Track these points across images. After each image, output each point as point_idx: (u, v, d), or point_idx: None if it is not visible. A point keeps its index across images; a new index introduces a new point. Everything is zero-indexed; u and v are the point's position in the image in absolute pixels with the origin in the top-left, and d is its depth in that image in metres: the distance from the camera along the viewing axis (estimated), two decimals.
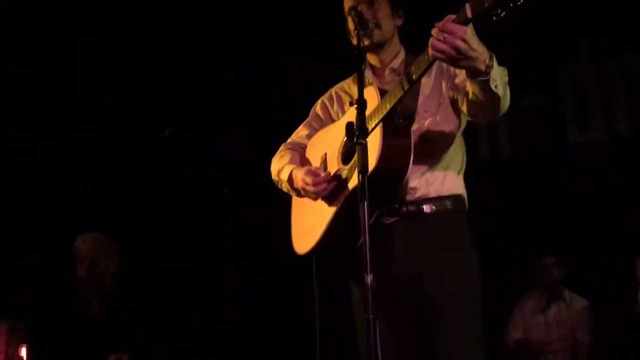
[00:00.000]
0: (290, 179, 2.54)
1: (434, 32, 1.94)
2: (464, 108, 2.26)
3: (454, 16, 1.93)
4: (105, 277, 3.77)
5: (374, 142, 2.14)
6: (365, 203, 1.94)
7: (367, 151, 1.97)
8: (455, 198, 2.37)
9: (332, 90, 2.73)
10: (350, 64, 2.70)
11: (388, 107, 2.17)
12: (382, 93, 2.26)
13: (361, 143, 1.97)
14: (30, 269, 4.51)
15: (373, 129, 2.17)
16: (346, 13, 2.55)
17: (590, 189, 4.58)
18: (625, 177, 4.46)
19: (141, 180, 5.00)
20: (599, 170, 4.59)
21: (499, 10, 1.81)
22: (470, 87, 2.10)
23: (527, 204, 4.77)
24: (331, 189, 2.34)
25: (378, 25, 2.45)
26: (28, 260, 4.58)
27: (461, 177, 2.42)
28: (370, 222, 1.97)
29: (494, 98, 2.06)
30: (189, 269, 4.91)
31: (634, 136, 4.67)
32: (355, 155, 2.19)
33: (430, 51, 1.96)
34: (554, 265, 4.67)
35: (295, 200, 2.67)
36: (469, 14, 1.88)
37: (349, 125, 2.06)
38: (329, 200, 2.39)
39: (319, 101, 2.75)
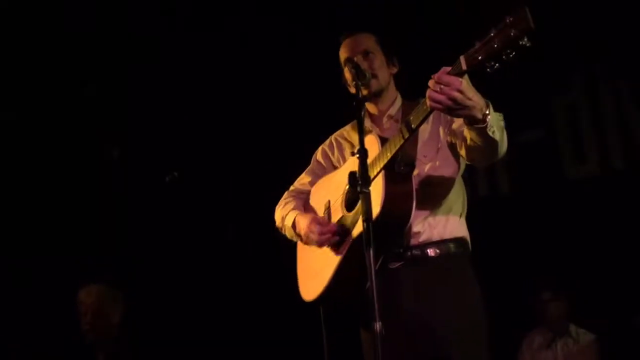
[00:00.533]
0: (294, 225, 2.59)
1: (430, 83, 2.02)
2: (463, 152, 2.33)
3: (448, 68, 2.01)
4: (109, 328, 3.75)
5: (376, 190, 2.20)
6: (372, 250, 1.98)
7: (371, 199, 2.02)
8: (459, 240, 2.42)
9: (332, 138, 2.80)
10: (349, 111, 2.81)
11: (389, 155, 2.23)
12: (383, 141, 2.33)
13: (364, 192, 2.02)
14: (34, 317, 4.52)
15: (375, 176, 2.23)
16: (342, 64, 2.64)
17: (588, 222, 4.61)
18: (621, 210, 4.49)
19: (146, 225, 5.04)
20: (596, 204, 4.63)
21: (492, 63, 1.90)
22: (468, 134, 2.17)
23: (526, 239, 4.80)
24: (335, 239, 2.40)
25: (375, 75, 2.54)
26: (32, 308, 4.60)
27: (463, 219, 2.47)
28: (376, 268, 2.01)
29: (492, 143, 2.13)
30: (195, 315, 4.90)
31: (629, 170, 4.72)
32: (359, 202, 2.26)
33: (428, 102, 2.03)
34: (551, 300, 4.65)
35: (300, 245, 2.71)
36: (463, 66, 1.96)
37: (352, 175, 2.11)
38: (334, 247, 2.43)
39: (320, 149, 2.82)
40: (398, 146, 2.21)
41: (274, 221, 2.78)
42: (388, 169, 2.25)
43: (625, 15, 4.49)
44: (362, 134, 2.16)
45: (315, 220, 2.47)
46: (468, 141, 2.20)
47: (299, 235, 2.57)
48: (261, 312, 4.81)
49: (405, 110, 2.55)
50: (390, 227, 2.23)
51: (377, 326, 1.93)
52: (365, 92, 2.50)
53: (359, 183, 2.04)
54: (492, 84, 2.13)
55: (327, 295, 2.43)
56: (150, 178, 4.87)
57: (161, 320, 4.68)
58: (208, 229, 5.09)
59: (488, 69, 1.91)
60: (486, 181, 5.20)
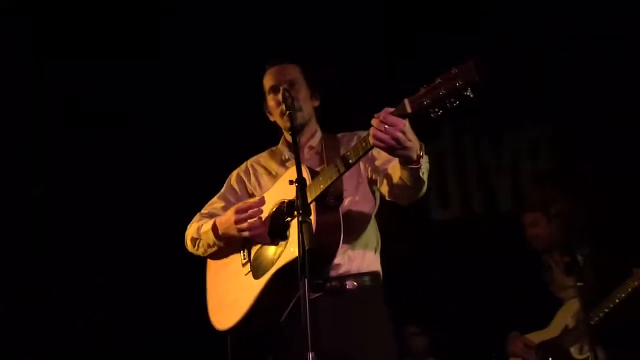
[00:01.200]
0: (214, 227, 2.51)
1: (375, 122, 2.08)
2: (384, 189, 2.42)
3: (391, 109, 2.09)
4: None
5: None
6: (306, 280, 1.99)
7: (310, 229, 2.03)
8: (374, 274, 2.52)
9: (248, 163, 2.78)
10: (265, 137, 2.81)
11: (322, 187, 2.27)
12: (312, 172, 2.37)
13: (306, 221, 2.03)
14: None
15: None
16: (267, 92, 2.66)
17: (450, 261, 4.95)
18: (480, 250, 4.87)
19: None
20: (460, 246, 4.98)
21: (436, 109, 2.00)
22: (398, 172, 2.26)
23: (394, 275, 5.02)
24: (264, 227, 2.38)
25: (299, 108, 2.58)
26: None
27: (378, 254, 2.57)
28: (295, 298, 2.02)
29: (420, 183, 2.24)
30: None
31: (488, 215, 5.16)
32: (289, 232, 2.27)
33: (371, 140, 2.10)
34: (415, 334, 4.90)
35: (211, 270, 2.64)
36: (408, 109, 2.05)
37: (290, 204, 2.12)
38: (256, 274, 2.40)
39: (235, 173, 2.78)
40: (333, 179, 2.26)
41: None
42: (319, 200, 2.28)
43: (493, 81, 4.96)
44: (299, 164, 2.18)
45: (238, 209, 2.43)
46: (395, 179, 2.29)
47: (222, 237, 2.49)
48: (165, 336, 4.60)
49: (327, 142, 2.62)
50: (318, 257, 2.24)
51: (310, 356, 1.94)
52: (288, 123, 2.50)
53: (300, 212, 2.05)
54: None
55: (243, 324, 2.41)
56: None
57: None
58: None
59: (432, 114, 2.02)
60: None
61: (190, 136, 4.97)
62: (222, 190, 2.77)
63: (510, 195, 5.21)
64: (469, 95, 1.96)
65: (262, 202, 2.45)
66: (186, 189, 4.13)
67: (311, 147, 2.65)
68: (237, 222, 2.41)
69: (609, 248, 4.06)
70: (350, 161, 2.23)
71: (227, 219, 2.46)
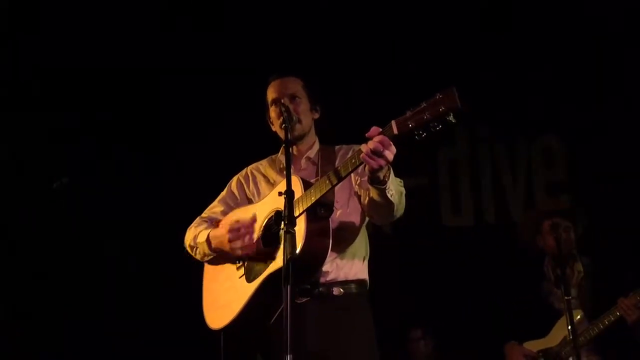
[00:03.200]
0: (208, 240, 2.66)
1: (374, 143, 2.18)
2: (365, 205, 2.54)
3: (379, 128, 2.20)
4: None
5: (299, 229, 2.34)
6: (289, 287, 2.12)
7: (296, 242, 2.18)
8: (360, 282, 2.63)
9: (248, 170, 2.90)
10: (268, 145, 2.93)
11: (313, 199, 2.40)
12: (305, 183, 2.49)
13: (290, 232, 2.16)
14: None
15: (298, 216, 2.37)
16: (269, 103, 2.78)
17: (460, 267, 5.01)
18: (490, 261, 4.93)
19: None
20: (469, 252, 5.04)
21: (421, 132, 2.12)
22: (370, 190, 2.38)
23: (403, 277, 5.11)
24: (254, 246, 2.51)
25: (299, 120, 2.70)
26: None
27: (366, 263, 2.69)
28: (287, 303, 2.13)
29: (389, 204, 2.36)
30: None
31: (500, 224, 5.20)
32: (280, 239, 2.40)
33: (365, 157, 2.20)
34: (420, 338, 4.96)
35: (208, 273, 2.78)
36: (395, 130, 2.16)
37: (278, 213, 2.24)
38: (249, 277, 2.54)
39: (235, 179, 2.91)
40: (324, 191, 2.38)
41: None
42: (310, 210, 2.41)
43: (510, 87, 5.01)
44: (289, 176, 2.30)
45: (233, 228, 2.55)
46: (370, 196, 2.41)
47: (215, 250, 2.63)
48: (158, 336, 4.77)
49: (324, 154, 2.74)
50: (307, 265, 2.39)
51: (289, 358, 2.06)
52: (290, 133, 2.60)
53: (285, 222, 2.17)
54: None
55: (235, 324, 2.54)
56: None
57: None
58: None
59: (416, 137, 2.13)
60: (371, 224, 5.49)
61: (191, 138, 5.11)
62: (222, 194, 2.90)
63: (522, 204, 5.24)
64: (452, 121, 2.06)
65: (253, 219, 2.58)
66: (185, 191, 4.31)
67: (308, 158, 2.77)
68: (230, 240, 2.54)
69: (609, 260, 4.09)
70: (342, 175, 2.35)
71: (220, 235, 2.59)
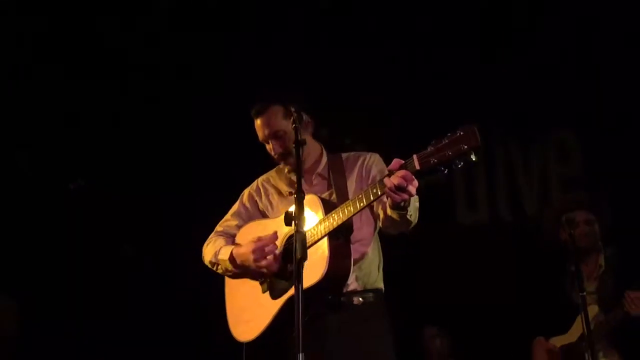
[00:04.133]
0: (232, 258, 2.68)
1: (397, 179, 2.19)
2: (380, 217, 2.56)
3: (401, 161, 2.22)
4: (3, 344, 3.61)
5: (322, 252, 2.41)
6: (300, 287, 2.12)
7: (305, 242, 2.19)
8: (378, 291, 2.67)
9: (259, 182, 2.92)
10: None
11: (335, 224, 2.42)
12: (325, 203, 2.52)
13: (300, 232, 2.17)
14: None
15: (320, 239, 2.43)
16: (260, 141, 2.79)
17: (476, 266, 4.99)
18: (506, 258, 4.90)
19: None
20: (485, 249, 5.02)
21: (442, 168, 2.14)
22: (388, 210, 2.40)
23: (417, 274, 5.11)
24: (279, 263, 2.54)
25: (291, 153, 2.63)
26: None
27: (381, 271, 2.72)
28: (307, 317, 2.16)
29: (407, 223, 2.43)
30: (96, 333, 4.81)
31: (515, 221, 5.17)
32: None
33: (390, 193, 2.22)
34: (436, 335, 4.95)
35: (230, 287, 2.82)
36: (417, 166, 2.17)
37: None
38: (273, 294, 2.59)
39: (246, 192, 2.92)
40: (345, 219, 2.41)
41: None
42: (332, 234, 2.45)
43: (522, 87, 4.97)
44: (300, 176, 2.32)
45: (257, 248, 2.59)
46: (387, 213, 2.43)
47: (239, 267, 2.66)
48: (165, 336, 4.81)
49: (332, 166, 2.75)
50: (331, 285, 2.46)
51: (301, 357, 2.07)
52: (288, 166, 2.70)
53: (295, 223, 2.19)
54: None
55: (260, 338, 2.60)
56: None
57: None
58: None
59: (438, 173, 2.15)
60: None
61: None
62: (235, 208, 2.92)
63: (536, 200, 5.21)
64: (473, 159, 2.08)
65: (275, 237, 2.61)
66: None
67: (319, 174, 2.78)
68: (255, 260, 2.58)
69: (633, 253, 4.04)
70: (363, 204, 2.37)
71: (244, 254, 2.62)
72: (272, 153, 2.72)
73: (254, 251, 2.58)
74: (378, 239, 2.74)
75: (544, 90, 5.01)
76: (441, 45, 4.95)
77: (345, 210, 2.41)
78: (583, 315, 3.29)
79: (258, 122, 2.74)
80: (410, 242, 5.25)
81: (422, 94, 4.97)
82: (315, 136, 2.82)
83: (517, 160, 5.35)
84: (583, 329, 3.75)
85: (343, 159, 2.77)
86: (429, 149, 2.14)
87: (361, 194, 2.38)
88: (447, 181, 5.39)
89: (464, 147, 2.05)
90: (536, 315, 4.14)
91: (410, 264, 5.06)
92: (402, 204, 2.27)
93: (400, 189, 2.18)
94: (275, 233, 2.61)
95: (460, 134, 2.07)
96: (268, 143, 2.70)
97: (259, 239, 2.59)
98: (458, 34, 4.95)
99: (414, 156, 2.18)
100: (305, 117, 2.69)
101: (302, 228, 2.19)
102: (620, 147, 4.82)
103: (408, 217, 2.34)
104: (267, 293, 2.62)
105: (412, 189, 2.19)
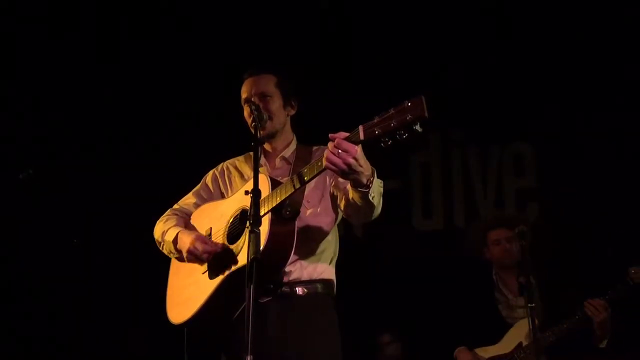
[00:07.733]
0: (175, 241, 2.64)
1: (330, 146, 2.18)
2: (342, 206, 2.52)
3: (346, 134, 2.18)
4: None
5: (262, 229, 2.30)
6: (252, 287, 2.10)
7: (260, 242, 2.15)
8: (326, 282, 2.62)
9: (224, 164, 2.90)
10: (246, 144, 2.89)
11: (278, 199, 2.39)
12: (273, 182, 2.47)
13: (255, 232, 2.14)
14: None
15: (262, 216, 2.34)
16: (242, 102, 2.76)
17: (427, 272, 5.02)
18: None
19: None
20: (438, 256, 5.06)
21: (387, 139, 2.09)
22: (351, 193, 2.36)
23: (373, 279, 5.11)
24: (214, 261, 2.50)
25: (270, 117, 2.68)
26: None
27: (333, 264, 2.68)
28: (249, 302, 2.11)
29: (370, 206, 2.34)
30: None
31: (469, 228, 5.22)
32: (243, 238, 2.38)
33: (325, 163, 2.20)
34: (389, 342, 4.95)
35: (174, 268, 2.76)
36: (361, 136, 2.14)
37: (244, 212, 2.22)
38: (211, 274, 2.52)
39: (211, 173, 2.90)
40: (288, 194, 2.37)
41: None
42: (275, 211, 2.40)
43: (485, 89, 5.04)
44: (257, 176, 2.28)
45: (200, 238, 2.55)
46: (350, 199, 2.39)
47: (179, 251, 2.62)
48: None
49: (300, 154, 2.73)
50: (269, 265, 2.36)
51: (249, 359, 2.05)
52: (261, 132, 2.61)
53: (250, 222, 2.16)
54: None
55: (196, 320, 2.53)
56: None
57: None
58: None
59: (382, 144, 2.11)
60: (343, 226, 5.48)
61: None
62: (197, 187, 2.89)
63: (492, 210, 5.28)
64: (418, 130, 2.04)
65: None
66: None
67: (283, 157, 2.76)
68: (194, 249, 2.54)
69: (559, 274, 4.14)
70: (305, 178, 2.34)
71: (189, 241, 2.57)
72: (247, 115, 2.66)
73: (193, 242, 2.54)
74: (337, 234, 2.71)
75: (505, 101, 5.10)
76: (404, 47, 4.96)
77: (289, 186, 2.37)
78: (531, 325, 3.33)
79: (249, 81, 2.73)
80: (365, 247, 5.37)
81: (386, 97, 4.97)
82: (294, 123, 2.80)
83: (475, 169, 5.41)
84: (524, 339, 3.81)
85: (313, 150, 2.75)
86: (374, 119, 2.11)
87: (306, 167, 2.35)
88: (404, 187, 5.44)
89: (409, 117, 2.01)
90: (463, 325, 4.13)
91: (365, 269, 5.06)
92: (364, 181, 2.20)
93: (339, 148, 2.12)
94: (222, 216, 2.60)
95: (406, 104, 2.03)
96: (248, 103, 2.64)
97: (207, 242, 2.56)
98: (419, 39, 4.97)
99: (360, 126, 2.14)
100: (294, 100, 2.74)
101: (258, 228, 2.16)
102: (574, 163, 4.95)
103: (370, 198, 2.26)
104: (206, 273, 2.55)
105: (352, 149, 2.12)
